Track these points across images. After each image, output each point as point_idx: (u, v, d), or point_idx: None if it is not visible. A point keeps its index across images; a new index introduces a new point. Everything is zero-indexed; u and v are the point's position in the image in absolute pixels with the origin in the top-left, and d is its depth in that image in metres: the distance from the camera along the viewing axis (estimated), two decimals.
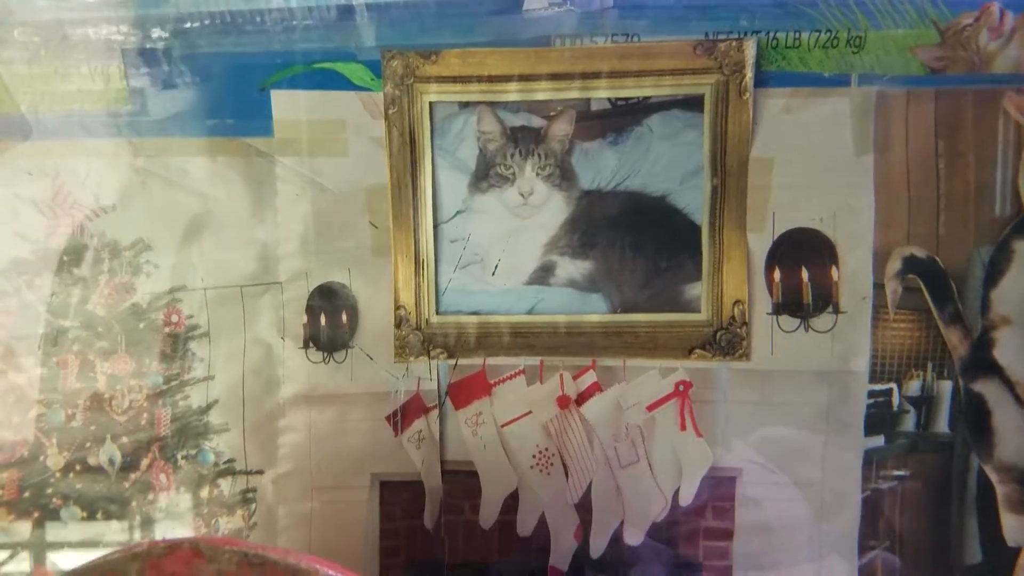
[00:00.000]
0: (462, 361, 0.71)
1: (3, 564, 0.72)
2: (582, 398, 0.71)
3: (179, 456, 0.72)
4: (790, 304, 0.68)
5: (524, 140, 0.69)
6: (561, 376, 0.71)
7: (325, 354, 0.72)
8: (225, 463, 0.72)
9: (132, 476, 0.72)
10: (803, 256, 0.67)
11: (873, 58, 0.65)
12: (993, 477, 0.65)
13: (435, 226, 0.70)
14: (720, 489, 0.70)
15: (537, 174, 0.69)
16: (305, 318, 0.72)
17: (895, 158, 0.66)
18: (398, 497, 0.73)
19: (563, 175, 0.69)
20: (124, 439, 0.72)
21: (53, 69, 0.69)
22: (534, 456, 0.71)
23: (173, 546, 0.43)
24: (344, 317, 0.71)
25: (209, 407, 0.72)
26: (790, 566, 0.69)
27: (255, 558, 0.42)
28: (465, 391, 0.72)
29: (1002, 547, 0.65)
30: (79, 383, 0.72)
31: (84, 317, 0.72)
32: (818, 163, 0.66)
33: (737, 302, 0.68)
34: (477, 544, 0.72)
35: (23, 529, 0.72)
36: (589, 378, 0.71)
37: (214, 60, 0.68)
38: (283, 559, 0.43)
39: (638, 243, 0.70)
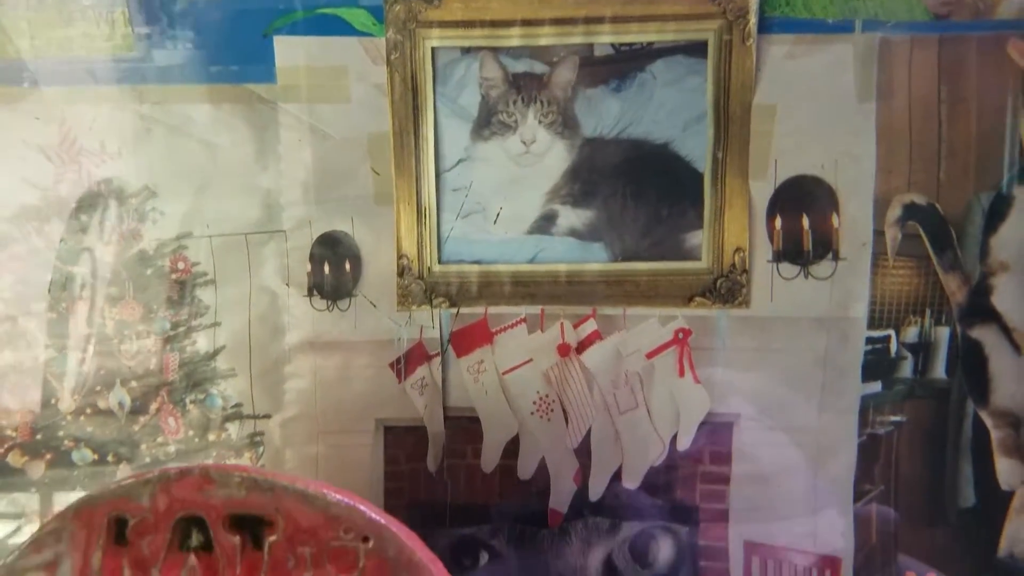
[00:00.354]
0: (464, 310, 0.72)
1: (11, 536, 0.74)
2: (582, 346, 0.72)
3: (187, 400, 0.74)
4: (790, 251, 0.68)
5: (527, 87, 0.69)
6: (562, 324, 0.71)
7: (329, 302, 0.73)
8: (232, 407, 0.74)
9: (141, 419, 0.74)
10: (804, 203, 0.67)
11: (877, 4, 0.65)
12: (988, 422, 0.66)
13: (437, 174, 0.70)
14: (717, 434, 0.71)
15: (539, 121, 0.69)
16: (309, 266, 0.72)
17: (897, 105, 0.66)
18: (402, 442, 0.74)
19: (565, 122, 0.69)
20: (133, 383, 0.73)
21: (57, 13, 0.69)
22: (534, 402, 0.73)
23: (184, 472, 0.44)
24: (347, 266, 0.72)
25: (216, 353, 0.73)
26: (786, 510, 0.70)
27: (264, 483, 0.44)
28: (467, 339, 0.73)
29: (996, 491, 0.66)
30: (88, 328, 0.73)
31: (92, 263, 0.73)
32: (820, 110, 0.66)
33: (738, 250, 0.69)
34: (479, 487, 0.74)
35: (36, 470, 0.74)
36: (589, 326, 0.71)
37: (217, 6, 0.69)
38: (292, 485, 0.44)
39: (640, 191, 0.70)
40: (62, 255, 0.73)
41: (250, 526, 0.44)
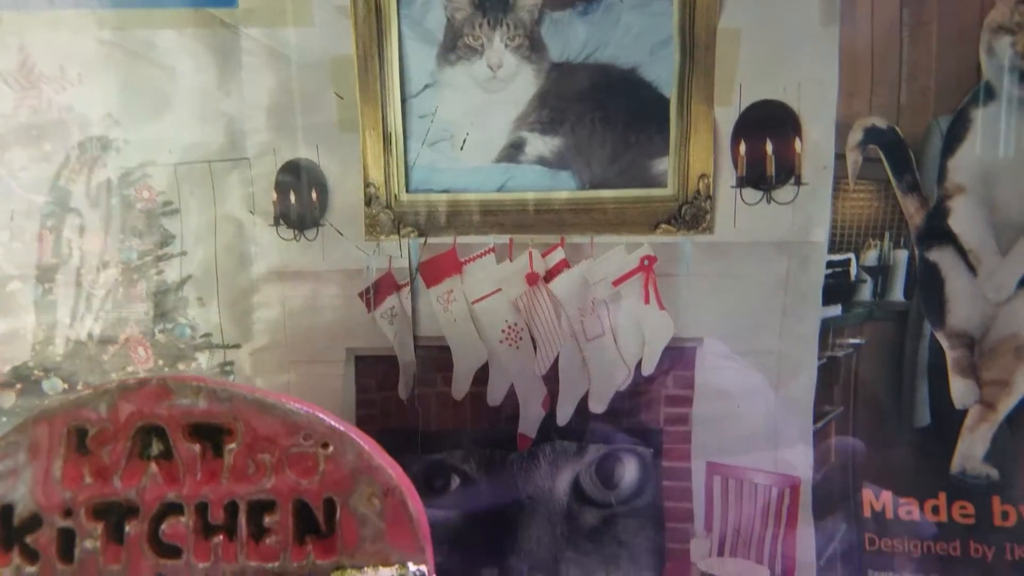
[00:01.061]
0: (433, 240, 0.72)
1: None
2: (550, 275, 0.72)
3: (156, 330, 0.73)
4: (754, 177, 0.68)
5: (492, 9, 0.68)
6: (530, 253, 0.71)
7: (296, 231, 0.72)
8: (202, 337, 0.74)
9: (111, 349, 0.73)
10: (768, 129, 0.67)
11: None
12: (944, 343, 0.67)
13: (403, 100, 0.69)
14: (681, 359, 0.71)
15: (506, 45, 0.68)
16: (274, 195, 0.72)
17: (860, 29, 0.65)
18: (373, 370, 0.74)
19: (532, 46, 0.68)
20: (101, 313, 0.73)
21: None
22: (503, 331, 0.73)
23: (142, 382, 0.44)
24: (314, 194, 0.71)
25: (183, 283, 0.73)
26: (747, 431, 0.71)
27: (222, 393, 0.44)
28: (436, 269, 0.73)
29: (950, 410, 0.68)
30: (54, 258, 0.72)
31: (56, 192, 0.72)
32: (784, 34, 0.66)
33: (703, 176, 0.69)
34: (449, 414, 0.74)
35: (6, 400, 0.74)
36: (557, 255, 0.71)
37: None
38: (250, 394, 0.44)
39: (607, 118, 0.69)
40: (24, 183, 0.71)
41: (209, 435, 0.44)
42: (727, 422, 0.71)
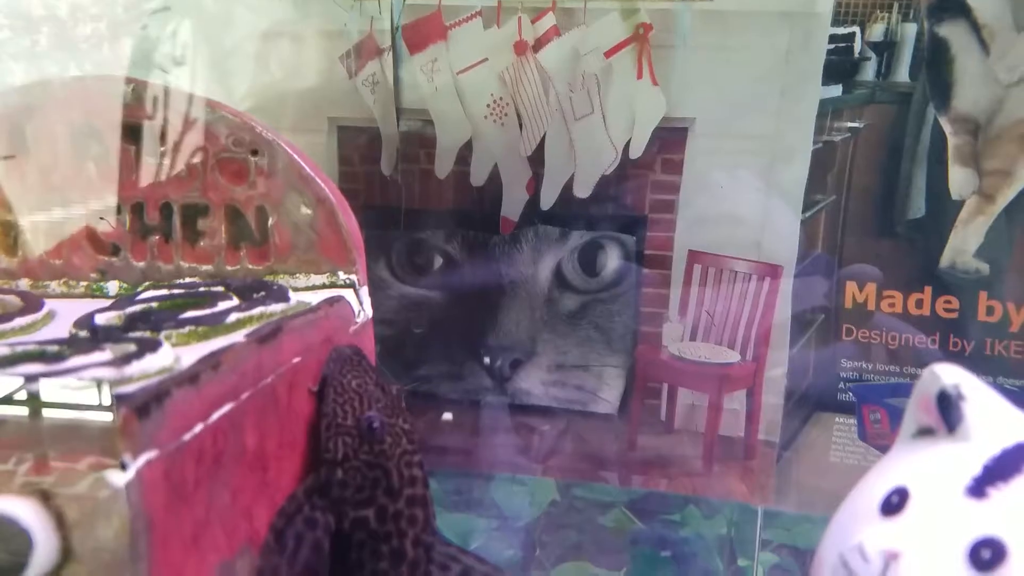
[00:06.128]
0: (419, 1, 0.74)
1: None
2: (539, 44, 0.74)
3: None
4: None
5: None
6: (519, 19, 0.74)
7: None
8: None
9: None
10: None
11: None
12: (947, 128, 0.68)
13: None
14: (671, 142, 0.74)
15: None
16: None
17: None
18: (355, 142, 0.80)
19: None
20: (87, 65, 0.79)
21: None
22: (488, 105, 0.76)
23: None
24: None
25: (167, 39, 0.77)
26: (733, 219, 0.74)
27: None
28: (420, 34, 0.76)
29: (946, 201, 0.69)
30: (42, 10, 0.77)
31: None
32: None
33: None
34: (432, 192, 0.80)
35: None
36: (548, 21, 0.74)
37: None
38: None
39: None
40: None
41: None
42: (713, 210, 0.74)
